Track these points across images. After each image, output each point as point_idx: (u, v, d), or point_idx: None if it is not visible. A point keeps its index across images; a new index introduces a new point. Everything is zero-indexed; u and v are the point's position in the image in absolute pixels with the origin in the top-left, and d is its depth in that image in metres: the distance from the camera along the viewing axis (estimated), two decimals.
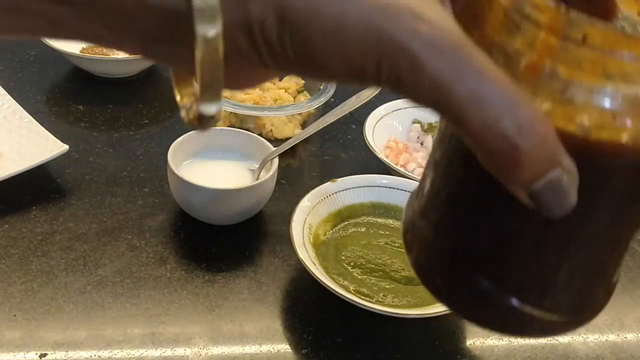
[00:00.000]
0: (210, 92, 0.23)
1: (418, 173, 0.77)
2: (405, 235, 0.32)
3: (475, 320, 0.29)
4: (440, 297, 0.30)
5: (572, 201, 0.22)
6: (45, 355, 0.56)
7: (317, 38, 0.21)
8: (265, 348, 0.59)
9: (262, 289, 0.64)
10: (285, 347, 0.59)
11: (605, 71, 0.22)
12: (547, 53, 0.22)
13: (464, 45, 0.21)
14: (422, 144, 0.85)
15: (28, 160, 0.70)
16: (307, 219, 0.65)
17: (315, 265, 0.60)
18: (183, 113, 0.27)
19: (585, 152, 0.22)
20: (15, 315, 0.58)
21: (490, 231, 0.27)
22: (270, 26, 0.21)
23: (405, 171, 0.76)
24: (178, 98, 0.28)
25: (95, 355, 0.56)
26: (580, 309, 0.29)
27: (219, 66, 0.22)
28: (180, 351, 0.57)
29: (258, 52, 0.22)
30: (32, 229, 0.67)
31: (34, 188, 0.72)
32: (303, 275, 0.64)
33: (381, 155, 0.77)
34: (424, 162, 0.81)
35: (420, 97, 0.22)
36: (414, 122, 0.87)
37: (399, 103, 0.85)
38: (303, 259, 0.60)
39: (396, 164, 0.78)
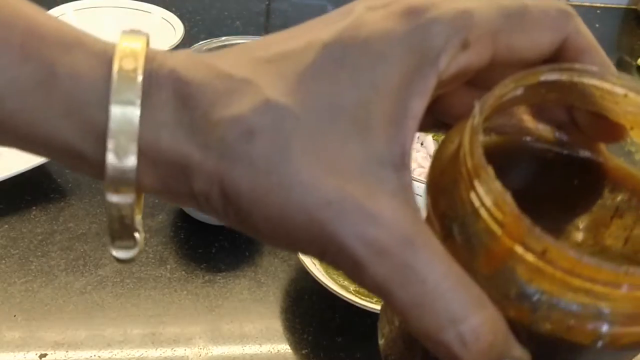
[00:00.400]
0: (119, 243, 0.25)
1: (418, 173, 0.77)
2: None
3: None
4: None
5: None
6: (45, 355, 0.56)
7: (260, 223, 0.21)
8: (265, 348, 0.59)
9: (262, 289, 0.64)
10: (285, 347, 0.59)
11: (565, 284, 0.21)
12: (506, 252, 0.21)
13: (415, 245, 0.20)
14: (422, 144, 0.85)
15: (28, 160, 0.70)
16: None
17: (315, 265, 0.60)
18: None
19: (540, 343, 0.22)
20: (15, 316, 0.58)
21: None
22: (215, 200, 0.21)
23: None
24: None
25: (95, 356, 0.56)
26: None
27: (128, 226, 0.23)
28: (180, 351, 0.57)
29: (210, 211, 0.22)
30: (32, 229, 0.67)
31: (34, 188, 0.72)
32: (303, 275, 0.63)
33: None
34: (424, 162, 0.80)
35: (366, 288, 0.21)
36: None
37: None
38: (303, 259, 0.59)
39: None
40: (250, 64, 0.21)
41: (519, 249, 0.21)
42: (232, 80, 0.21)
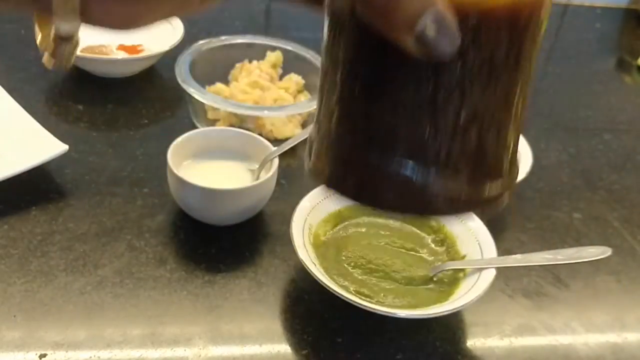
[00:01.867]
0: (65, 9, 0.23)
1: None
2: (309, 168, 0.32)
3: (384, 206, 0.29)
4: (353, 194, 0.29)
5: (457, 38, 0.23)
6: (45, 355, 0.56)
7: None
8: (265, 348, 0.58)
9: (262, 290, 0.64)
10: (285, 348, 0.59)
11: None
12: None
13: None
14: None
15: (28, 160, 0.70)
16: (307, 219, 0.65)
17: (315, 265, 0.60)
18: (44, 55, 0.27)
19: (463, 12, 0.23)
20: (15, 316, 0.58)
21: (385, 106, 0.26)
22: None
23: None
24: (38, 40, 0.28)
25: (95, 356, 0.56)
26: (484, 181, 0.28)
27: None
28: (179, 352, 0.57)
29: None
30: (32, 229, 0.67)
31: (33, 188, 0.72)
32: (303, 276, 0.63)
33: None
34: None
35: None
36: None
37: None
38: (303, 260, 0.59)
39: None
40: None
41: None
42: None
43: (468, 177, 0.28)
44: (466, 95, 0.25)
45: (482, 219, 0.67)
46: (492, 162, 0.28)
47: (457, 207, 0.28)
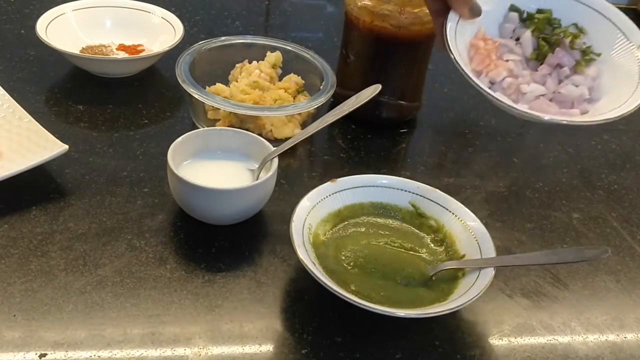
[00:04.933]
0: None
1: (508, 85, 0.68)
2: None
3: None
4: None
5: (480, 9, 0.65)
6: (45, 355, 0.56)
7: None
8: (265, 348, 0.59)
9: (261, 289, 0.64)
10: (285, 347, 0.59)
11: None
12: None
13: None
14: (517, 39, 0.71)
15: (28, 160, 0.70)
16: (307, 219, 0.65)
17: (315, 265, 0.60)
18: None
19: None
20: (15, 315, 0.58)
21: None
22: None
23: (485, 89, 0.64)
24: None
25: (95, 355, 0.56)
26: (412, 99, 0.83)
27: None
28: (180, 351, 0.57)
29: None
30: (32, 229, 0.67)
31: (34, 188, 0.72)
32: (303, 275, 0.64)
33: (460, 59, 0.63)
34: (517, 70, 0.69)
35: None
36: (510, 10, 0.71)
37: None
38: (303, 259, 0.60)
39: (480, 72, 0.67)
40: None
41: None
42: None
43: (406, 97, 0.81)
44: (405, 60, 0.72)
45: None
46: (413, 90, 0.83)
47: (400, 112, 0.83)
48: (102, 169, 0.76)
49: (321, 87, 0.85)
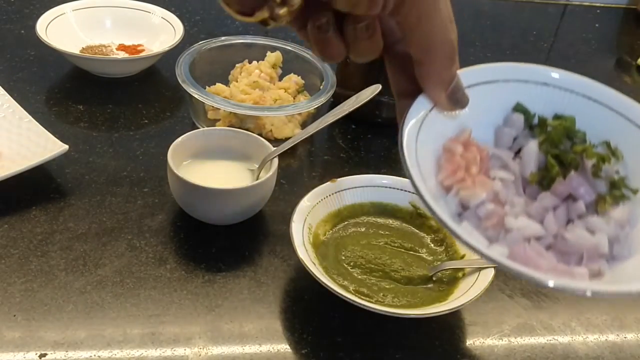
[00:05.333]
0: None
1: (487, 213, 0.41)
2: None
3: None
4: None
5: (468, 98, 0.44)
6: (45, 355, 0.56)
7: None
8: (265, 348, 0.59)
9: (261, 289, 0.64)
10: (285, 347, 0.59)
11: None
12: None
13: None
14: (518, 152, 0.45)
15: (28, 160, 0.70)
16: (307, 219, 0.65)
17: (315, 265, 0.60)
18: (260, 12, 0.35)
19: None
20: (15, 315, 0.59)
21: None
22: None
23: (444, 217, 0.38)
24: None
25: (95, 355, 0.56)
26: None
27: None
28: (180, 351, 0.57)
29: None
30: (32, 229, 0.67)
31: (34, 188, 0.72)
32: (303, 275, 0.64)
33: (414, 167, 0.42)
34: (505, 194, 0.42)
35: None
36: (515, 110, 0.46)
37: (502, 69, 0.46)
38: (303, 259, 0.60)
39: (449, 188, 0.42)
40: None
41: None
42: None
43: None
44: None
45: None
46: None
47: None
48: (102, 169, 0.76)
49: (321, 87, 0.85)
